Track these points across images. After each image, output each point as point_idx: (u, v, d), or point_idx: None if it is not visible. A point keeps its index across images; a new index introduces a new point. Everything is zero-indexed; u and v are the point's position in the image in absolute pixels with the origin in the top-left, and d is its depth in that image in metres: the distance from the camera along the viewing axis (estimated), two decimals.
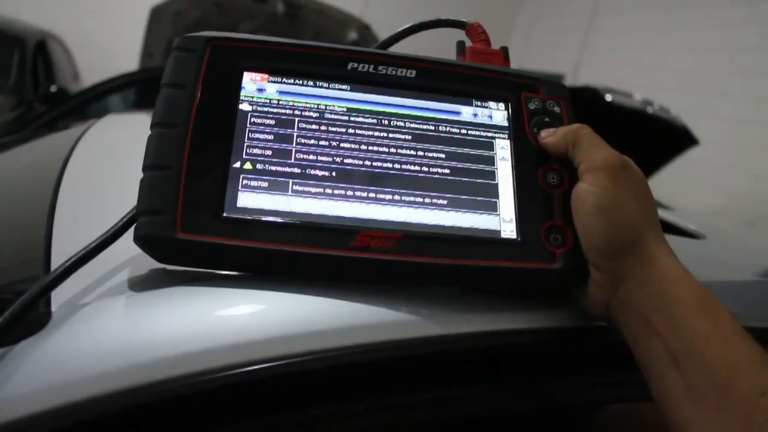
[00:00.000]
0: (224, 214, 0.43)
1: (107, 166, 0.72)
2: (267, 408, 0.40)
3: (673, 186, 3.44)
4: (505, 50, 0.54)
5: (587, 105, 2.25)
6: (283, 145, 0.46)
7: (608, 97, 2.37)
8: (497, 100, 0.49)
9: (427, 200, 0.46)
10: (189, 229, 0.42)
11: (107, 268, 0.45)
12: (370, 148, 0.47)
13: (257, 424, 0.40)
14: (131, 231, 0.43)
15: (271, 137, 0.46)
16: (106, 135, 0.92)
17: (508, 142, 0.48)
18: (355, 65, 0.48)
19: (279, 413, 0.40)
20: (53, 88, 3.65)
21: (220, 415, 0.38)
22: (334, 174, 0.45)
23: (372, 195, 0.45)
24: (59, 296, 0.42)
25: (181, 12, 4.06)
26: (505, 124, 0.49)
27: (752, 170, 4.08)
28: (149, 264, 0.44)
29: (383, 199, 0.45)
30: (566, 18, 6.86)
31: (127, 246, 0.44)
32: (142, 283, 0.44)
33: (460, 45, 0.55)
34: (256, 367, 0.38)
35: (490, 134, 0.49)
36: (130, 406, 0.36)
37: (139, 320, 0.40)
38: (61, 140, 0.90)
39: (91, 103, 2.25)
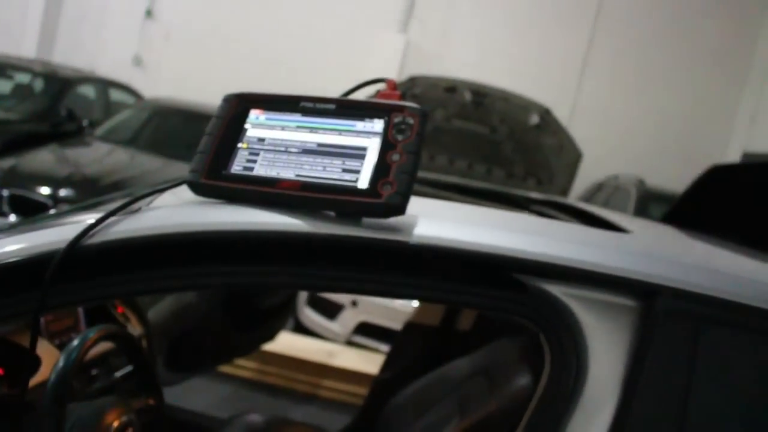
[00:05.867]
0: (223, 172, 0.86)
1: None
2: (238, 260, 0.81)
3: None
4: (401, 96, 0.91)
5: None
6: (264, 142, 0.87)
7: None
8: (378, 117, 0.86)
9: (325, 166, 0.84)
10: (208, 177, 0.85)
11: (182, 196, 0.90)
12: (304, 140, 0.86)
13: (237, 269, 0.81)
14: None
15: (255, 139, 0.88)
16: None
17: (378, 139, 0.84)
18: (305, 104, 0.89)
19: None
20: (63, 112, 5.96)
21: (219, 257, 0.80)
22: (284, 154, 0.86)
23: (294, 161, 0.85)
24: (162, 200, 0.88)
25: None
26: (380, 130, 0.85)
27: None
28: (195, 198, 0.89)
29: (301, 164, 0.84)
30: None
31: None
32: (193, 200, 0.88)
33: (377, 92, 0.93)
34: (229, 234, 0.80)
35: (369, 134, 0.85)
36: (193, 239, 0.80)
37: (194, 211, 0.84)
38: None
39: None
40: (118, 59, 9.13)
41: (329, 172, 0.83)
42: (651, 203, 6.14)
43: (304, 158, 0.85)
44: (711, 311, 0.78)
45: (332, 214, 0.82)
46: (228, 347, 3.06)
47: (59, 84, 6.59)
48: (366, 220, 0.82)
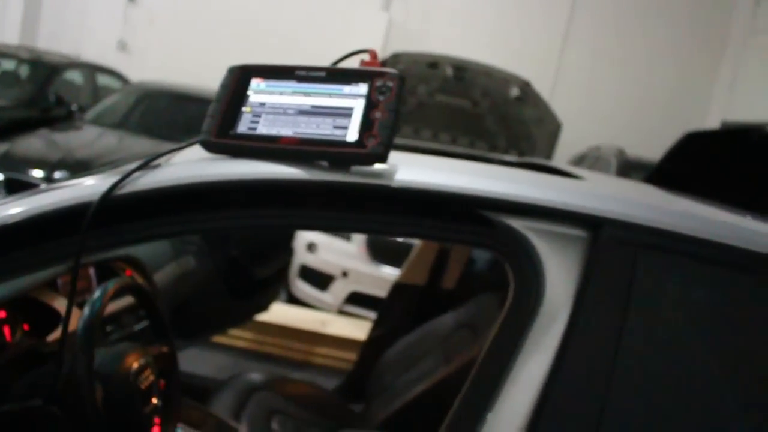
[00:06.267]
0: (230, 132, 0.99)
1: None
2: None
3: None
4: (383, 63, 1.05)
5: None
6: (264, 106, 1.01)
7: None
8: (363, 81, 1.00)
9: (318, 124, 0.97)
10: (218, 137, 0.99)
11: (197, 153, 1.04)
12: (299, 103, 1.00)
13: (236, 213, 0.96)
14: None
15: (257, 104, 1.02)
16: None
17: (363, 100, 0.98)
18: (299, 72, 1.03)
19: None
20: (52, 97, 6.04)
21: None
22: (282, 115, 0.99)
23: (291, 121, 0.98)
24: (178, 158, 1.02)
25: None
26: (364, 92, 0.99)
27: None
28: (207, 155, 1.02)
29: (298, 123, 0.98)
30: None
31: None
32: (206, 157, 1.02)
33: (362, 61, 1.07)
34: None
35: (355, 96, 0.99)
36: (207, 188, 0.94)
37: (207, 164, 0.97)
38: None
39: None
40: (103, 44, 9.16)
41: (322, 128, 0.97)
42: (631, 172, 6.30)
43: (300, 118, 0.98)
44: (648, 239, 0.94)
45: (325, 164, 0.96)
46: (226, 315, 3.21)
47: (46, 70, 6.65)
48: (354, 168, 0.96)
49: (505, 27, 9.04)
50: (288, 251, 3.66)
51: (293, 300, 4.78)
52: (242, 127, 1.00)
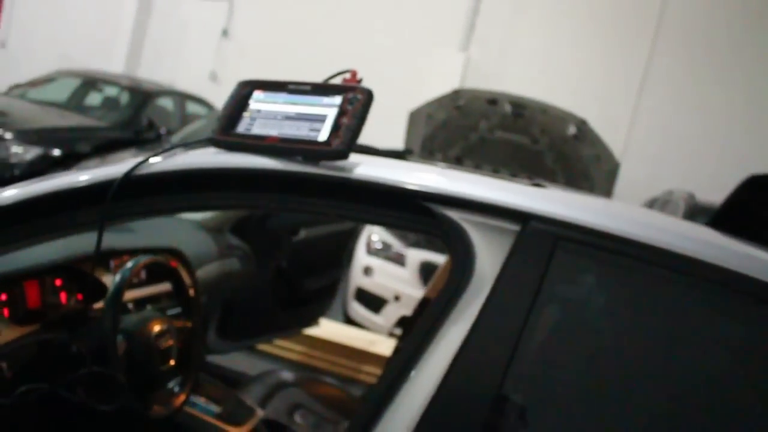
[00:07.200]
0: (232, 132, 1.23)
1: None
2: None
3: None
4: (359, 81, 1.26)
5: None
6: (260, 112, 1.24)
7: None
8: (338, 94, 1.21)
9: (299, 127, 1.19)
10: (221, 135, 1.22)
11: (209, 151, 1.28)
12: (286, 111, 1.22)
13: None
14: None
15: (255, 110, 1.25)
16: None
17: (336, 108, 1.19)
18: (290, 86, 1.25)
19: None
20: (144, 121, 6.38)
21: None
22: (272, 119, 1.22)
23: (278, 124, 1.20)
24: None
25: (431, 115, 5.08)
26: (338, 103, 1.20)
27: None
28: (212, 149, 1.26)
29: (282, 126, 1.19)
30: None
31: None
32: (209, 151, 1.25)
33: (344, 79, 1.29)
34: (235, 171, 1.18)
35: (330, 106, 1.20)
36: (209, 174, 1.17)
37: (210, 155, 1.21)
38: None
39: None
40: (195, 74, 9.85)
41: (300, 131, 1.19)
42: (698, 216, 6.24)
43: (285, 122, 1.21)
44: (565, 231, 1.09)
45: (300, 158, 1.18)
46: (272, 324, 3.43)
47: (142, 96, 7.28)
48: (323, 163, 1.17)
49: (583, 68, 9.11)
50: (338, 267, 3.86)
51: (349, 321, 4.98)
52: (241, 128, 1.23)
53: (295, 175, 1.16)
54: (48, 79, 7.63)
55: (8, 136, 5.64)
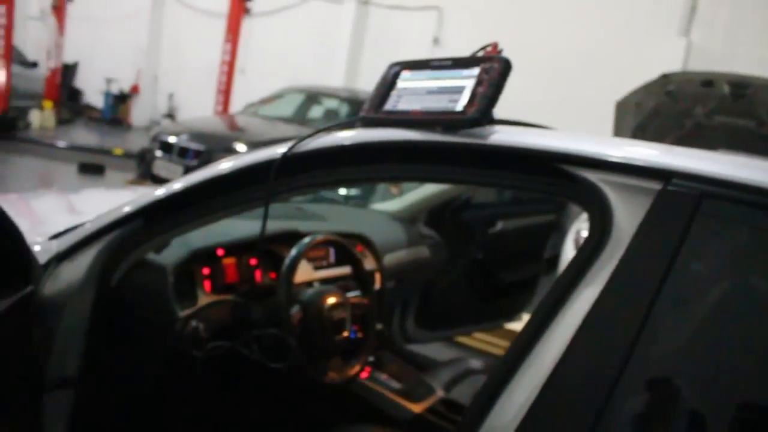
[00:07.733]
0: (381, 109, 1.32)
1: None
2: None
3: None
4: (500, 51, 1.28)
5: None
6: (406, 89, 1.32)
7: None
8: (476, 66, 1.23)
9: (439, 100, 1.25)
10: (371, 112, 1.32)
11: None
12: (429, 86, 1.28)
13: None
14: None
15: (402, 88, 1.32)
16: None
17: (473, 79, 1.22)
18: (433, 62, 1.31)
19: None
20: None
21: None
22: (416, 95, 1.29)
23: (421, 99, 1.27)
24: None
25: (640, 103, 4.78)
26: (475, 74, 1.23)
27: None
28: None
29: (425, 100, 1.26)
30: None
31: None
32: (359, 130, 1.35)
33: (485, 50, 1.31)
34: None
35: (468, 77, 1.23)
36: (360, 148, 1.29)
37: (358, 133, 1.31)
38: None
39: None
40: None
41: (440, 103, 1.24)
42: None
43: (428, 96, 1.27)
44: (711, 188, 1.01)
45: (439, 129, 1.24)
46: (470, 316, 3.47)
47: (359, 106, 7.78)
48: (462, 132, 1.21)
49: None
50: (538, 260, 3.79)
51: None
52: (388, 106, 1.31)
53: (437, 145, 1.21)
54: (276, 97, 8.46)
55: (241, 148, 6.37)
